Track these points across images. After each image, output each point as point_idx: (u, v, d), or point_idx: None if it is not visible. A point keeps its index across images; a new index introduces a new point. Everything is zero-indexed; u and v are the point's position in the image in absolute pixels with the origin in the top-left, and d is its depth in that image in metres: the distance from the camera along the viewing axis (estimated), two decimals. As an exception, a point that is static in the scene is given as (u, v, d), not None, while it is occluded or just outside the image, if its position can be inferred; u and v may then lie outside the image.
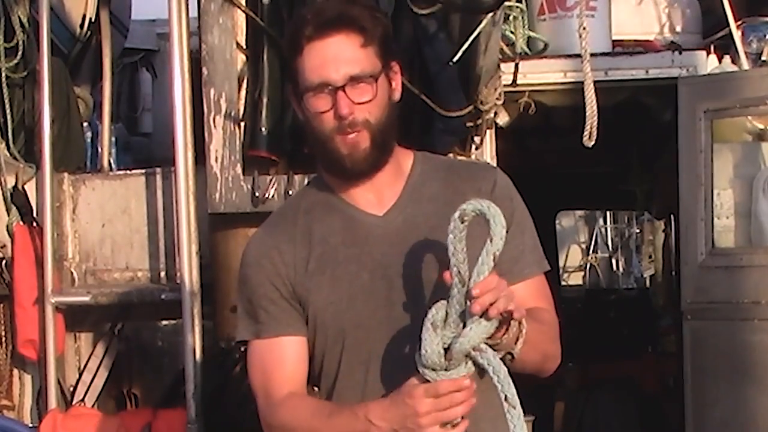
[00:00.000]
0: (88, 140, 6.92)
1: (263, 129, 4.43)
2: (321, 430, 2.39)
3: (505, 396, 2.22)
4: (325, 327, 2.46)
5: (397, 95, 2.51)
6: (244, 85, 4.55)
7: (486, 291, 2.20)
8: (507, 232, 2.42)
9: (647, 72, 5.51)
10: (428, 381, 2.22)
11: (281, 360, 2.47)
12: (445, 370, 2.22)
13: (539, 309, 2.50)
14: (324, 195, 2.54)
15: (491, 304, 2.20)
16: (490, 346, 2.25)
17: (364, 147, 2.42)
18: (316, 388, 2.53)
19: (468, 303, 2.21)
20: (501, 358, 2.27)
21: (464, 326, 2.22)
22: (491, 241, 2.22)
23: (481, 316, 2.20)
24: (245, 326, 2.53)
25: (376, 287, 2.43)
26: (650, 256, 15.83)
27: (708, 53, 5.51)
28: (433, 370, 2.21)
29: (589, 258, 19.22)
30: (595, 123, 4.14)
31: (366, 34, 2.40)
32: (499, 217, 2.23)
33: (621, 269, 19.55)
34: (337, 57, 2.38)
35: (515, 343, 2.31)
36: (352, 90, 2.39)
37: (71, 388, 4.97)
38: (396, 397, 2.27)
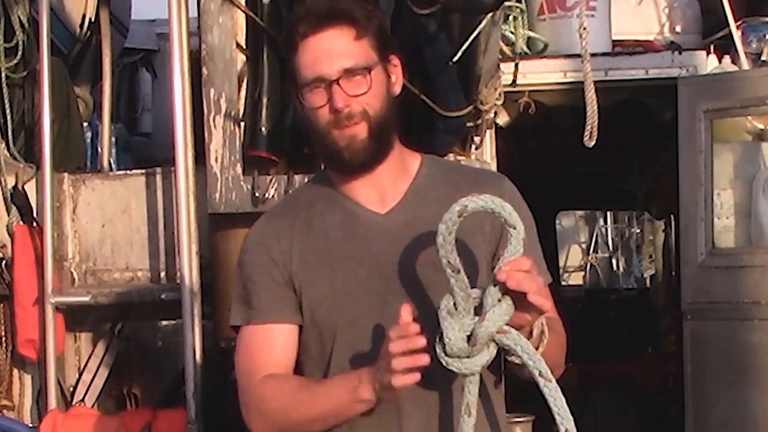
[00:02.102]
0: (88, 140, 6.92)
1: (263, 129, 4.43)
2: (306, 401, 2.38)
3: (539, 371, 2.22)
4: (319, 322, 2.46)
5: (397, 89, 2.51)
6: (244, 85, 4.55)
7: (517, 269, 2.21)
8: None
9: (647, 72, 5.52)
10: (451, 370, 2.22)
11: (268, 346, 2.47)
12: (468, 357, 2.21)
13: (552, 318, 2.50)
14: (327, 189, 2.54)
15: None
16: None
17: (361, 138, 2.42)
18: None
19: (473, 295, 2.22)
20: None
21: (474, 313, 2.22)
22: (515, 228, 2.23)
23: (499, 300, 2.20)
24: (238, 311, 2.53)
25: (372, 284, 2.43)
26: (650, 256, 15.85)
27: (708, 53, 5.52)
28: (458, 357, 2.20)
29: (589, 258, 19.22)
30: (596, 123, 4.14)
31: (358, 26, 2.40)
32: (508, 206, 2.24)
33: (621, 269, 19.55)
34: (330, 51, 2.39)
35: (536, 348, 2.31)
36: (347, 83, 2.39)
37: (71, 388, 4.97)
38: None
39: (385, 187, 2.50)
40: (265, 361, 2.46)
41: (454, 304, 2.22)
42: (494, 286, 2.21)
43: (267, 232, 2.52)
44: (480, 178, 2.59)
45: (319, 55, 2.39)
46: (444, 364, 2.21)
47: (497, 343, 2.22)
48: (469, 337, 2.20)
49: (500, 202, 2.23)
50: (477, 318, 2.21)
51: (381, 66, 2.44)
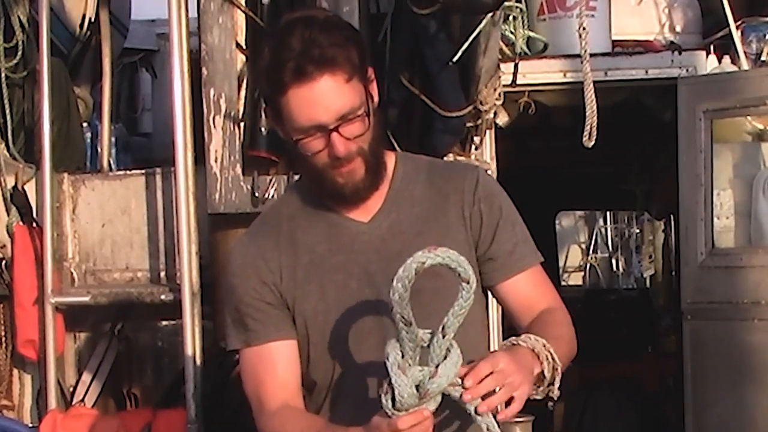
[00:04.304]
0: (88, 140, 6.92)
1: (263, 129, 4.42)
2: None
3: (486, 426, 2.21)
4: (315, 337, 2.46)
5: (376, 99, 2.47)
6: (244, 85, 4.55)
7: (477, 380, 2.17)
8: (496, 228, 2.46)
9: (647, 72, 5.52)
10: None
11: (273, 366, 2.46)
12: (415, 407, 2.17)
13: (551, 312, 2.49)
14: (307, 201, 2.52)
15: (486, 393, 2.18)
16: None
17: (360, 174, 2.40)
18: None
19: (423, 343, 2.18)
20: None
21: (419, 360, 2.18)
22: (468, 283, 2.16)
23: (448, 350, 2.17)
24: (235, 335, 2.51)
25: (364, 295, 2.42)
26: (650, 256, 15.84)
27: (708, 53, 5.52)
28: (406, 410, 2.15)
29: (589, 258, 19.23)
30: (595, 123, 4.15)
31: (349, 67, 2.34)
32: (464, 261, 2.17)
33: (621, 269, 19.56)
34: (326, 99, 2.33)
35: (552, 384, 2.33)
36: (344, 128, 2.35)
37: (71, 388, 4.97)
38: None
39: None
40: (272, 388, 2.45)
41: (401, 352, 2.18)
42: (443, 336, 2.17)
43: (252, 252, 2.50)
44: (454, 171, 2.58)
45: (314, 103, 2.33)
46: (389, 414, 2.16)
47: (447, 395, 2.19)
48: (417, 387, 2.17)
49: (456, 256, 2.16)
50: (425, 369, 2.17)
51: (369, 95, 2.40)
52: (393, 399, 2.15)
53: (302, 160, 2.43)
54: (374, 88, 2.46)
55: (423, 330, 2.19)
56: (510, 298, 2.52)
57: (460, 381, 2.17)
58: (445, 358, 2.17)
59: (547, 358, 2.30)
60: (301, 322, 2.47)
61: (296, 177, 4.35)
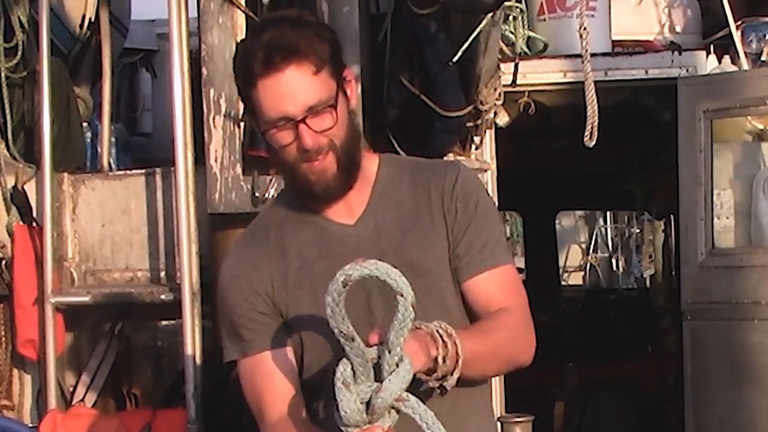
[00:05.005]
0: (88, 140, 6.91)
1: (263, 129, 4.42)
2: None
3: None
4: (308, 341, 2.46)
5: (354, 103, 2.47)
6: (244, 85, 4.54)
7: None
8: (469, 225, 2.45)
9: (647, 72, 5.52)
10: None
11: (271, 377, 2.46)
12: (369, 423, 2.15)
13: (502, 312, 2.46)
14: (294, 208, 2.52)
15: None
16: (422, 382, 2.22)
17: (331, 171, 2.40)
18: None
19: (370, 357, 2.15)
20: (433, 390, 2.24)
21: (374, 376, 2.16)
22: (402, 296, 2.12)
23: (397, 365, 2.14)
24: (231, 346, 2.51)
25: (355, 297, 2.39)
26: (650, 256, 15.86)
27: (708, 53, 5.52)
28: (357, 426, 2.14)
29: (589, 258, 19.25)
30: (596, 123, 4.14)
31: (316, 59, 2.36)
32: (393, 272, 2.14)
33: (621, 269, 19.58)
34: (293, 90, 2.35)
35: (451, 374, 2.26)
36: (312, 120, 2.36)
37: (71, 388, 4.97)
38: None
39: (351, 198, 2.49)
40: (272, 398, 2.46)
41: (352, 369, 2.16)
42: (388, 352, 2.15)
43: (243, 262, 2.51)
44: (435, 169, 2.58)
45: (281, 94, 2.35)
46: (342, 431, 2.15)
47: (397, 410, 2.16)
48: (368, 403, 2.15)
49: (385, 268, 2.13)
50: (375, 384, 2.15)
51: (341, 91, 2.41)
52: (341, 417, 2.14)
53: (274, 156, 2.44)
54: (352, 90, 2.47)
55: (371, 347, 2.16)
56: (472, 296, 2.49)
57: (408, 396, 2.14)
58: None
59: (446, 346, 2.24)
60: (294, 328, 2.47)
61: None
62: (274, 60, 2.34)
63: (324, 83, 2.37)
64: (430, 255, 2.47)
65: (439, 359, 2.23)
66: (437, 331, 2.24)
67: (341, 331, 2.14)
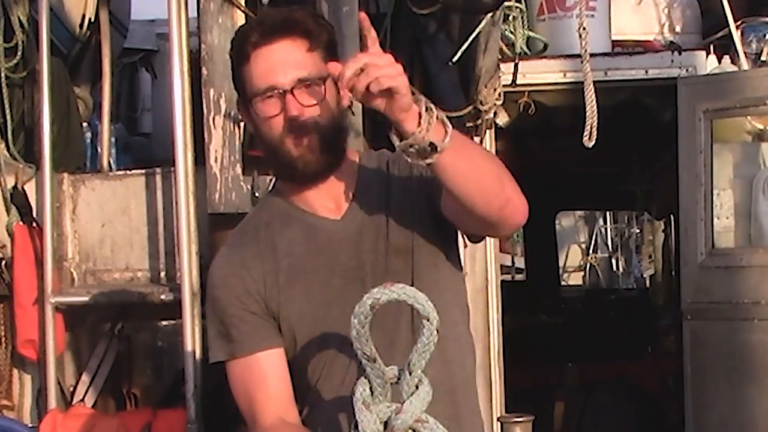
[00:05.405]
0: (88, 140, 6.92)
1: (263, 129, 4.42)
2: None
3: None
4: (302, 338, 2.46)
5: (346, 102, 2.49)
6: (244, 85, 4.54)
7: (350, 72, 2.14)
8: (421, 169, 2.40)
9: (647, 72, 5.51)
10: None
11: (262, 378, 2.46)
12: None
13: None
14: (282, 207, 2.54)
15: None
16: (411, 145, 2.22)
17: (314, 149, 2.42)
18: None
19: (389, 377, 2.17)
20: (426, 149, 2.21)
21: (390, 396, 2.18)
22: (428, 320, 2.13)
23: (416, 387, 2.16)
24: (219, 347, 2.51)
25: (348, 291, 2.42)
26: (650, 256, 15.85)
27: (708, 53, 5.51)
28: None
29: (589, 258, 19.24)
30: (595, 123, 4.15)
31: (311, 38, 2.42)
32: (421, 296, 2.14)
33: (621, 269, 19.58)
34: (284, 61, 2.39)
35: (437, 136, 2.22)
36: (300, 93, 2.39)
37: (71, 388, 4.97)
38: None
39: (338, 194, 2.51)
40: (264, 400, 2.45)
41: (371, 389, 2.18)
42: (409, 374, 2.17)
43: (234, 262, 2.51)
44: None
45: (272, 65, 2.39)
46: None
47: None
48: (386, 423, 2.17)
49: (412, 292, 2.14)
50: (393, 405, 2.17)
51: (331, 79, 2.41)
52: None
53: (260, 134, 2.46)
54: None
55: (391, 367, 2.19)
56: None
57: (427, 417, 2.16)
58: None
59: (429, 109, 2.21)
60: (287, 327, 2.47)
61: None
62: (269, 32, 2.40)
63: (315, 62, 2.41)
64: (417, 239, 2.49)
65: (425, 117, 2.20)
66: (417, 96, 2.23)
67: (364, 353, 2.16)
